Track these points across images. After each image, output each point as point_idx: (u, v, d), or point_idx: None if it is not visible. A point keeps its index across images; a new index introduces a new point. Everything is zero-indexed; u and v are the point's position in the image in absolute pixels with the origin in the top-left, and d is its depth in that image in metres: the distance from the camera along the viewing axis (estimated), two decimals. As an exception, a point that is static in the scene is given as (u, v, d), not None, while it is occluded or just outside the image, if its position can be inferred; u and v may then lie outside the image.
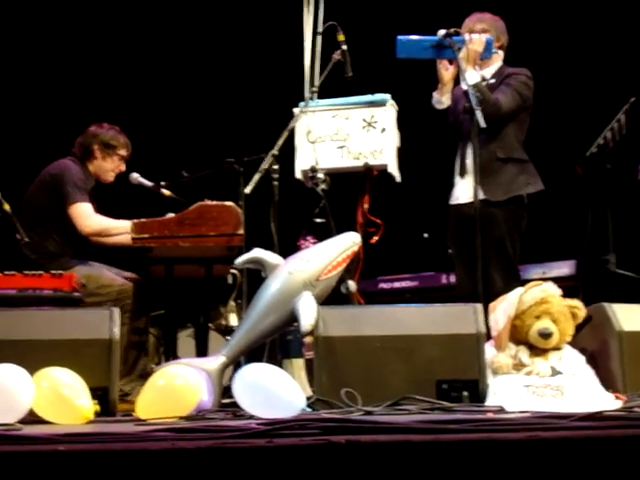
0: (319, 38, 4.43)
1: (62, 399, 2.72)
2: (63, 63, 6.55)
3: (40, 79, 6.52)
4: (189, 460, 1.68)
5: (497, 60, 4.45)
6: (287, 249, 4.00)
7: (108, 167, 4.72)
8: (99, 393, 2.98)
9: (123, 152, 4.74)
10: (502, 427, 1.95)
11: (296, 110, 4.33)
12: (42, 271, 4.13)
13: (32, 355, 2.93)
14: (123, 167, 4.78)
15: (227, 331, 5.51)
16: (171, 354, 4.51)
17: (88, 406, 2.76)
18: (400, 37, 4.14)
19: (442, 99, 4.38)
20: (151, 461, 1.67)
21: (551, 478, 1.78)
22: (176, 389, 2.84)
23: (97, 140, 4.67)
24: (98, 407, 2.87)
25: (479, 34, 4.26)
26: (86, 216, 4.49)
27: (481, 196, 4.06)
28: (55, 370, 2.80)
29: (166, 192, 4.80)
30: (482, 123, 3.83)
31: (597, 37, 6.17)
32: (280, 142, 4.20)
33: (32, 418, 2.67)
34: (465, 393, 3.18)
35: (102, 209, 4.63)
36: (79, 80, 6.55)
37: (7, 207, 3.98)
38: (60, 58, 6.55)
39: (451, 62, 4.27)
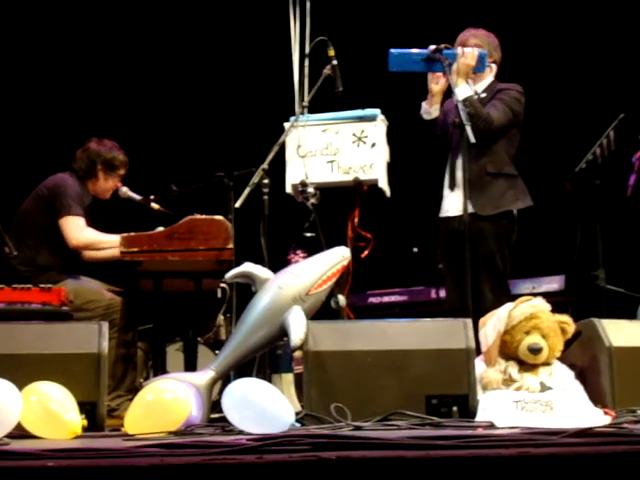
0: (308, 54, 4.44)
1: (50, 414, 2.70)
2: (54, 78, 6.55)
3: (30, 94, 6.52)
4: (178, 476, 1.67)
5: (489, 75, 4.46)
6: (277, 263, 3.99)
7: (108, 187, 4.73)
8: (87, 407, 2.97)
9: (122, 171, 4.76)
10: (492, 443, 1.94)
11: (287, 124, 4.33)
12: (31, 284, 4.13)
13: (20, 369, 2.92)
14: (119, 184, 4.79)
15: (216, 345, 5.51)
16: (160, 368, 4.49)
17: (76, 421, 2.74)
18: (392, 50, 4.16)
19: (430, 110, 4.39)
20: (140, 477, 1.66)
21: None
22: (165, 404, 2.83)
23: (100, 160, 4.65)
24: (86, 422, 2.85)
25: (472, 48, 4.28)
26: (76, 229, 4.47)
27: (470, 210, 4.06)
28: (44, 385, 2.79)
29: (155, 206, 4.80)
30: (472, 139, 3.84)
31: (587, 54, 6.21)
32: (270, 156, 4.21)
33: (19, 432, 2.65)
34: (455, 408, 3.18)
35: (92, 222, 4.62)
36: (70, 95, 6.55)
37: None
38: (51, 73, 6.55)
39: (444, 75, 4.28)
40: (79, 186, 4.60)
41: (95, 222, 4.70)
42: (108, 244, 4.45)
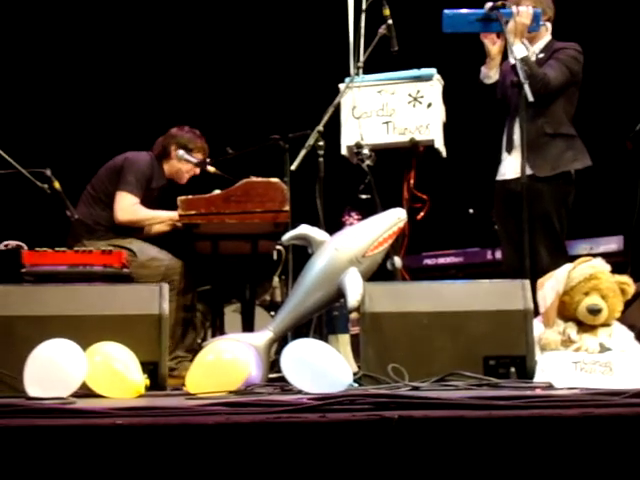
0: (363, 13, 4.40)
1: (115, 373, 2.76)
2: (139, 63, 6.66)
3: (102, 70, 6.67)
4: (243, 434, 1.70)
5: (545, 34, 4.40)
6: (333, 225, 4.00)
7: (183, 169, 4.84)
8: (150, 367, 3.01)
9: (199, 155, 4.84)
10: (554, 404, 1.94)
11: (341, 86, 4.32)
12: (97, 240, 4.27)
13: (83, 330, 2.95)
14: (197, 170, 4.87)
15: (272, 306, 5.56)
16: (218, 329, 4.56)
17: (140, 380, 2.79)
18: (446, 11, 4.11)
19: (490, 73, 4.35)
20: (207, 434, 1.69)
21: (605, 454, 1.77)
22: (225, 364, 2.86)
23: (175, 141, 4.80)
24: (148, 381, 2.90)
25: (526, 6, 4.21)
26: (124, 205, 4.62)
27: (528, 172, 4.02)
28: (107, 345, 2.84)
29: (211, 169, 4.85)
30: (530, 97, 3.79)
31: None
32: (325, 118, 4.19)
33: (84, 392, 2.71)
34: (512, 369, 3.17)
35: (161, 203, 4.78)
36: (131, 65, 6.65)
37: (57, 185, 4.04)
38: (114, 50, 6.65)
39: (498, 36, 4.23)
40: (151, 167, 4.74)
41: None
42: (153, 220, 4.60)
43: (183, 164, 4.82)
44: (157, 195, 4.79)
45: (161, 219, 4.66)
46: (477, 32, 4.21)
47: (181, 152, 4.81)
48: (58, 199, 4.06)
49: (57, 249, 4.07)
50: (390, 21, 4.33)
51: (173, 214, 4.49)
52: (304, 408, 1.85)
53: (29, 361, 2.59)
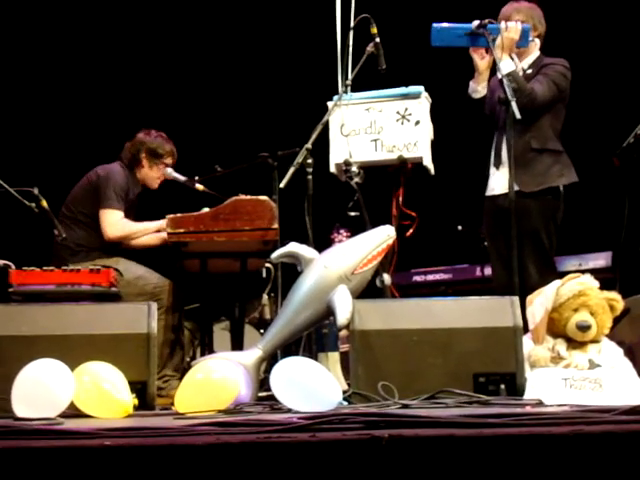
0: (352, 27, 4.42)
1: (103, 393, 2.74)
2: (101, 69, 6.65)
3: (83, 84, 6.63)
4: (233, 454, 1.69)
5: (534, 50, 4.42)
6: (322, 243, 4.00)
7: (154, 175, 4.83)
8: (138, 387, 3.00)
9: (169, 160, 4.84)
10: (544, 421, 1.93)
11: (330, 103, 4.33)
12: (83, 261, 4.25)
13: (71, 350, 2.95)
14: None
15: (261, 324, 5.54)
16: (207, 347, 4.54)
17: (128, 400, 2.78)
18: (435, 25, 4.13)
19: (478, 88, 4.37)
20: (196, 455, 1.68)
21: (595, 472, 1.76)
22: (214, 383, 2.85)
23: (144, 148, 4.78)
24: (137, 401, 2.89)
25: (515, 22, 4.23)
26: (111, 222, 4.59)
27: (515, 187, 4.03)
28: (95, 364, 2.82)
29: (200, 187, 4.84)
30: (517, 114, 3.80)
31: (635, 25, 6.10)
32: (314, 136, 4.20)
33: (72, 412, 2.69)
34: (502, 386, 3.17)
35: (140, 208, 4.72)
36: (118, 81, 6.64)
37: (44, 204, 4.03)
38: (101, 64, 6.64)
39: (487, 50, 4.25)
40: (126, 176, 4.72)
41: (141, 204, 4.76)
42: (143, 232, 4.58)
43: (154, 171, 4.80)
44: (135, 203, 4.77)
45: (150, 230, 4.63)
46: (466, 46, 4.23)
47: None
48: (46, 218, 4.05)
49: (45, 268, 4.05)
50: (378, 39, 4.36)
51: (161, 223, 4.48)
52: (294, 427, 1.84)
53: (17, 381, 2.57)
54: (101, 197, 4.59)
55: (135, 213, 4.71)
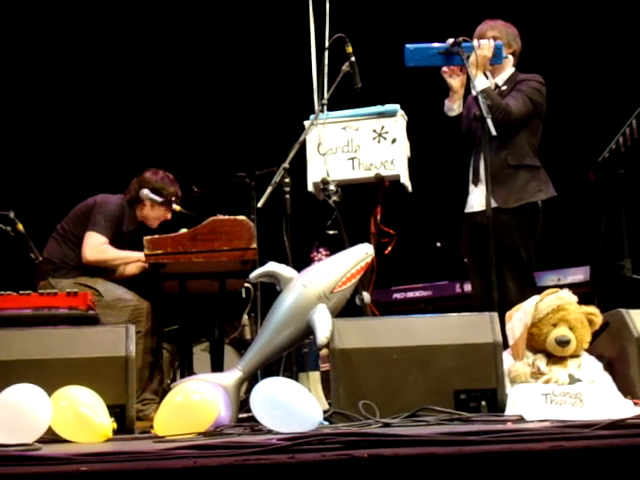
0: (327, 47, 4.43)
1: (81, 417, 2.72)
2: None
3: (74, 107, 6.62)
4: (212, 478, 1.67)
5: (508, 66, 4.44)
6: (300, 262, 3.99)
7: (154, 215, 4.84)
8: (117, 410, 2.98)
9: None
10: (525, 437, 1.93)
11: (306, 123, 4.33)
12: (62, 278, 4.22)
13: (49, 374, 2.93)
14: (169, 215, 4.87)
15: (241, 345, 5.52)
16: (186, 369, 4.51)
17: (106, 424, 2.76)
18: (408, 45, 4.14)
19: (453, 106, 4.38)
20: (174, 479, 1.66)
21: (576, 488, 1.76)
22: (194, 405, 2.83)
23: (149, 187, 4.80)
24: (116, 425, 2.86)
25: (488, 40, 4.26)
26: (92, 245, 4.60)
27: (493, 204, 4.04)
28: (73, 389, 2.80)
29: (177, 207, 4.83)
30: (493, 131, 3.82)
31: (610, 42, 6.16)
32: (291, 155, 4.21)
33: (50, 437, 2.66)
34: (483, 403, 3.17)
35: (132, 246, 4.74)
36: (92, 103, 6.63)
37: (21, 227, 4.01)
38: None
39: (461, 69, 4.27)
40: (122, 209, 4.72)
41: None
42: (123, 260, 4.57)
43: (155, 210, 4.81)
44: (128, 239, 4.78)
45: (130, 259, 4.65)
46: (440, 65, 4.24)
47: (145, 191, 4.78)
48: (22, 241, 4.02)
49: (21, 292, 4.01)
50: (353, 58, 4.37)
51: (141, 254, 4.46)
52: (273, 449, 1.83)
53: (-7, 407, 2.54)
54: (90, 220, 4.63)
55: (128, 249, 4.70)
